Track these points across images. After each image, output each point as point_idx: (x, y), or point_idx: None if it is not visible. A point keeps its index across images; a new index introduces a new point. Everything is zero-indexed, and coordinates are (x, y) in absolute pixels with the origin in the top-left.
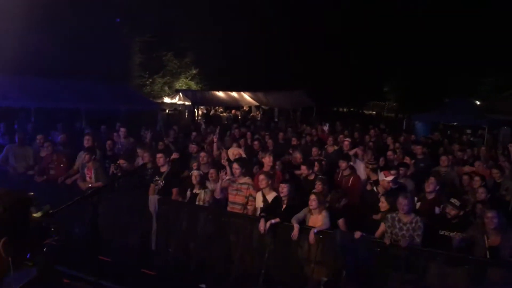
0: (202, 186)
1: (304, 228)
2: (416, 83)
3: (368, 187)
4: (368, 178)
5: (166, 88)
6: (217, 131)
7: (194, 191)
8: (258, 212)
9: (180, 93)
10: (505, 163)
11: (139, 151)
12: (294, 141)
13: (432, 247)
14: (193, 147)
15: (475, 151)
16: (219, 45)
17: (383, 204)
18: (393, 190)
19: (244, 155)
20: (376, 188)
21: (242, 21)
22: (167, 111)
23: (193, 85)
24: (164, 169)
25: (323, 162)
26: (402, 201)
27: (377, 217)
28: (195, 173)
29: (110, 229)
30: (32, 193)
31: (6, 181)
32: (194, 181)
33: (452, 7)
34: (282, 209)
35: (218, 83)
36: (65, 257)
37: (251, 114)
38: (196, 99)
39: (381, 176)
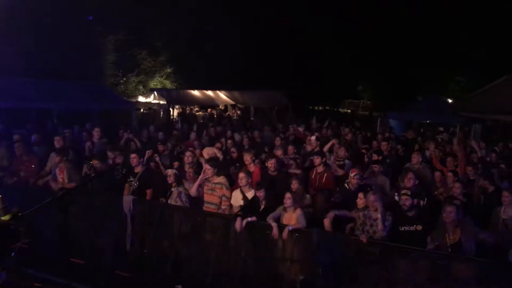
0: (178, 185)
1: (279, 226)
2: (389, 82)
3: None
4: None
5: (141, 87)
6: (194, 129)
7: (171, 190)
8: (238, 210)
9: (155, 92)
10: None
11: (109, 153)
12: (277, 142)
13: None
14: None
15: (448, 148)
16: (194, 43)
17: (361, 201)
18: (361, 187)
19: (219, 155)
20: (348, 185)
21: (217, 20)
22: (141, 110)
23: (168, 84)
24: (138, 169)
25: (298, 161)
26: (370, 197)
27: (355, 214)
28: (169, 172)
29: (83, 231)
30: (0, 196)
31: None
32: (169, 180)
33: (426, 7)
34: (260, 209)
35: (193, 81)
36: (36, 259)
37: (227, 113)
38: (171, 98)
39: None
